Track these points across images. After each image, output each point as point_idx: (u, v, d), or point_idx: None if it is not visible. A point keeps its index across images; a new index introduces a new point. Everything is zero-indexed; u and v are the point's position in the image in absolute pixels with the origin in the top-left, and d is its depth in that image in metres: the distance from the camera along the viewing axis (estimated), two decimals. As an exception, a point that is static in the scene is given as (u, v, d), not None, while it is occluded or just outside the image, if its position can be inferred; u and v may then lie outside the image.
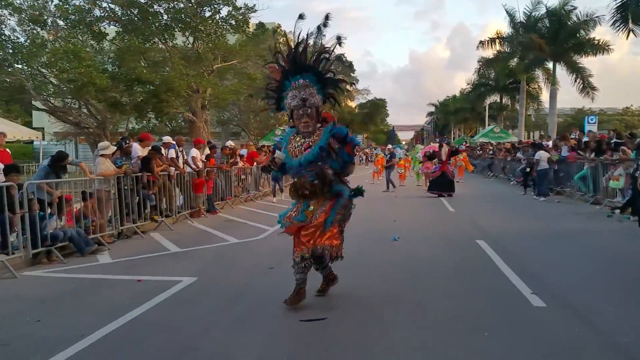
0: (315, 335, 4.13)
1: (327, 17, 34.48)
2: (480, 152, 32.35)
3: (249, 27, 24.15)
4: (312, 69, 4.80)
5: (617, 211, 10.85)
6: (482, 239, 8.19)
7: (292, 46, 4.81)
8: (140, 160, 9.82)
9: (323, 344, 3.93)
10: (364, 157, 49.03)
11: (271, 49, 5.15)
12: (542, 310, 4.71)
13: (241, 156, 15.93)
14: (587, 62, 34.17)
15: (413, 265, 6.56)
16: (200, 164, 12.26)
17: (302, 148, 4.72)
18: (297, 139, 4.81)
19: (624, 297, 5.07)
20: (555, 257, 7.07)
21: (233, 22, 20.50)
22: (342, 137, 4.70)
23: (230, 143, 15.52)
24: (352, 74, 39.52)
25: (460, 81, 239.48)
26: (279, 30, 34.34)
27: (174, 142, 11.77)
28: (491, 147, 30.73)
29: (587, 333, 4.12)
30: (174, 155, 11.37)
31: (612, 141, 13.48)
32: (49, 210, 7.49)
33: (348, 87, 42.68)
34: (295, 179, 4.84)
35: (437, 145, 19.57)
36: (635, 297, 5.09)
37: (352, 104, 53.23)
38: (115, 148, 9.27)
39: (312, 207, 4.71)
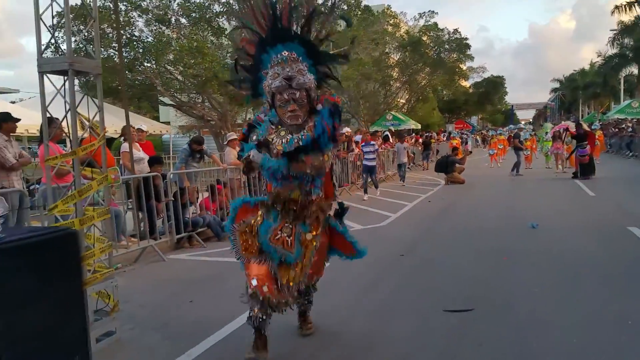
0: (464, 328, 3.88)
1: None
2: (617, 130, 29.26)
3: (360, 10, 23.90)
4: (298, 38, 3.36)
5: None
6: (636, 226, 7.32)
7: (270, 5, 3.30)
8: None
9: (476, 339, 3.68)
10: (480, 140, 46.63)
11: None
12: None
13: (356, 142, 15.77)
14: None
15: (560, 257, 5.99)
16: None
17: (293, 148, 3.28)
18: (282, 133, 3.36)
19: None
20: None
21: (345, 7, 20.45)
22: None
23: (347, 130, 15.39)
24: (467, 52, 37.05)
25: (587, 54, 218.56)
26: (389, 11, 33.51)
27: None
28: (630, 124, 27.63)
29: None
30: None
31: None
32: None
33: (461, 65, 40.18)
34: (279, 188, 3.39)
35: (571, 124, 18.01)
36: None
37: (466, 84, 50.75)
38: (236, 136, 9.80)
39: (314, 233, 3.40)
